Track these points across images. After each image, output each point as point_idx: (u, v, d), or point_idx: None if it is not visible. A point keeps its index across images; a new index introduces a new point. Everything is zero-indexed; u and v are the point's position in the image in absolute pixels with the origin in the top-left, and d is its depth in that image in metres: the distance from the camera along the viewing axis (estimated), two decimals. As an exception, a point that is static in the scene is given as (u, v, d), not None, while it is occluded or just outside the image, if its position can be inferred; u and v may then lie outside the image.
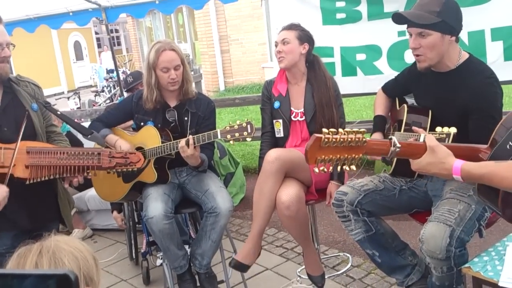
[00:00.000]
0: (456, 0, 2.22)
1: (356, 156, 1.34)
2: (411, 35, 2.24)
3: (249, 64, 12.58)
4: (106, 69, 17.75)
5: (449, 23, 2.14)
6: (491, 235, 2.50)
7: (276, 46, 2.89)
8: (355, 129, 1.33)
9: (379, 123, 2.65)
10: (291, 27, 2.90)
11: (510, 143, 1.29)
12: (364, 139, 1.32)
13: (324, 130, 1.30)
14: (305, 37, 2.89)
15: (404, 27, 2.31)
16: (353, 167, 1.36)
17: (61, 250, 1.15)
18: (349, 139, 1.30)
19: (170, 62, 2.77)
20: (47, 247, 1.15)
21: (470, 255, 2.16)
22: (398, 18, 2.23)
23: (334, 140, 1.29)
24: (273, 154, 2.66)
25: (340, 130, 1.32)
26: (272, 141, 3.00)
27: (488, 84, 2.16)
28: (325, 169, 1.33)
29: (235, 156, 4.94)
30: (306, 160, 1.32)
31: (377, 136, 2.59)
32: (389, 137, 1.41)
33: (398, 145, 1.37)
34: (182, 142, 2.62)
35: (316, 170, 1.34)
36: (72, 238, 1.24)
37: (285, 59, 2.84)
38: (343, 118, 2.95)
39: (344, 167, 1.35)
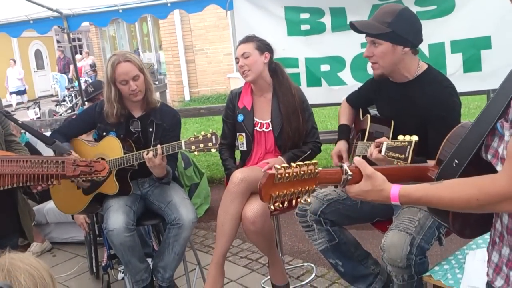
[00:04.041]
0: (414, 13, 2.27)
1: (310, 188, 1.34)
2: None
3: (214, 74, 12.58)
4: (9, 90, 16.48)
5: (400, 34, 2.19)
6: (451, 244, 2.54)
7: (237, 62, 2.88)
8: (306, 162, 1.33)
9: (343, 132, 2.69)
10: (248, 39, 2.90)
11: (456, 160, 1.29)
12: (316, 171, 1.33)
13: (276, 166, 1.30)
14: (264, 47, 2.88)
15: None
16: (308, 199, 1.37)
17: (16, 268, 1.10)
18: (302, 172, 1.30)
19: (127, 73, 2.72)
20: (1, 265, 1.10)
21: (431, 263, 2.20)
22: (353, 27, 2.30)
23: (287, 175, 1.29)
24: (239, 175, 2.66)
25: (292, 164, 1.31)
26: (231, 151, 3.03)
27: (446, 93, 2.22)
28: (281, 205, 1.33)
29: (200, 166, 4.90)
30: (260, 198, 1.31)
31: (342, 144, 2.62)
32: (339, 164, 1.41)
33: (350, 173, 1.38)
34: (150, 153, 2.58)
35: (272, 207, 1.32)
36: (27, 255, 1.19)
37: (250, 71, 2.82)
38: (315, 127, 2.96)
39: (299, 199, 1.35)
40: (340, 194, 2.48)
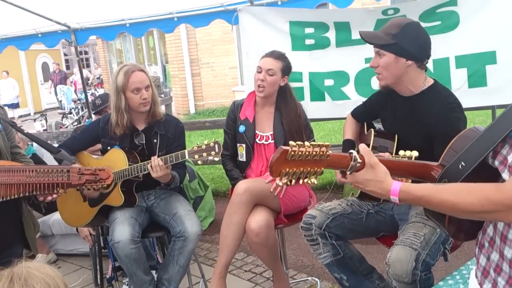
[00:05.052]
0: (422, 29, 2.29)
1: (318, 170, 1.34)
2: None
3: (219, 87, 12.64)
4: (2, 103, 15.78)
5: (404, 47, 2.22)
6: (456, 259, 2.53)
7: (259, 71, 2.88)
8: (319, 142, 1.33)
9: (347, 146, 2.69)
10: (279, 57, 2.91)
11: (463, 163, 1.29)
12: (327, 153, 1.33)
13: (291, 142, 1.30)
14: (287, 70, 2.92)
15: (370, 53, 2.40)
16: (314, 181, 1.37)
17: (33, 277, 1.12)
18: (314, 152, 1.31)
19: (142, 82, 2.77)
20: (18, 273, 1.12)
21: (436, 278, 2.18)
22: (361, 37, 2.35)
23: (300, 153, 1.29)
24: (243, 186, 2.68)
25: (306, 143, 1.31)
26: (234, 162, 3.05)
27: (451, 110, 2.23)
28: (288, 182, 1.33)
29: (205, 179, 4.90)
30: (270, 173, 1.31)
31: None
32: (350, 151, 1.42)
33: (359, 160, 1.38)
34: (153, 162, 2.61)
35: (280, 183, 1.33)
36: (43, 264, 1.21)
37: (265, 89, 2.86)
38: None
39: (306, 180, 1.35)
40: (345, 208, 2.48)
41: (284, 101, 2.94)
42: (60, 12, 4.66)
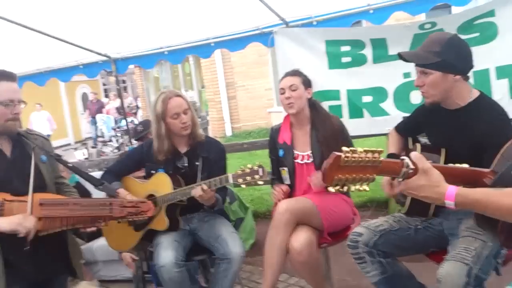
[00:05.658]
0: (463, 40, 2.26)
1: (370, 176, 1.33)
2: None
3: (255, 109, 12.73)
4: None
5: (450, 62, 2.18)
6: (508, 274, 2.43)
7: (282, 93, 2.94)
8: (372, 148, 1.32)
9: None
10: (296, 73, 2.98)
11: None
12: (379, 159, 1.32)
13: (344, 148, 1.29)
14: (308, 82, 2.98)
15: (408, 68, 2.37)
16: (366, 187, 1.35)
17: None
18: (367, 158, 1.30)
19: (180, 106, 2.83)
20: None
21: (488, 294, 2.11)
22: (400, 57, 2.31)
23: (353, 159, 1.28)
24: (283, 206, 2.69)
25: (359, 148, 1.31)
26: (280, 182, 3.04)
27: (500, 121, 2.19)
28: (341, 189, 1.32)
29: (245, 201, 4.91)
30: (323, 179, 1.31)
31: None
32: (401, 157, 1.40)
33: (412, 166, 1.37)
34: (198, 190, 2.64)
35: (333, 190, 1.33)
36: None
37: (295, 104, 2.90)
38: None
39: (358, 187, 1.34)
40: (392, 225, 2.43)
41: (317, 113, 2.99)
42: (101, 43, 4.80)
